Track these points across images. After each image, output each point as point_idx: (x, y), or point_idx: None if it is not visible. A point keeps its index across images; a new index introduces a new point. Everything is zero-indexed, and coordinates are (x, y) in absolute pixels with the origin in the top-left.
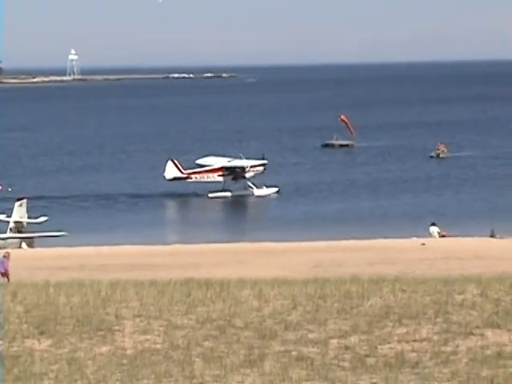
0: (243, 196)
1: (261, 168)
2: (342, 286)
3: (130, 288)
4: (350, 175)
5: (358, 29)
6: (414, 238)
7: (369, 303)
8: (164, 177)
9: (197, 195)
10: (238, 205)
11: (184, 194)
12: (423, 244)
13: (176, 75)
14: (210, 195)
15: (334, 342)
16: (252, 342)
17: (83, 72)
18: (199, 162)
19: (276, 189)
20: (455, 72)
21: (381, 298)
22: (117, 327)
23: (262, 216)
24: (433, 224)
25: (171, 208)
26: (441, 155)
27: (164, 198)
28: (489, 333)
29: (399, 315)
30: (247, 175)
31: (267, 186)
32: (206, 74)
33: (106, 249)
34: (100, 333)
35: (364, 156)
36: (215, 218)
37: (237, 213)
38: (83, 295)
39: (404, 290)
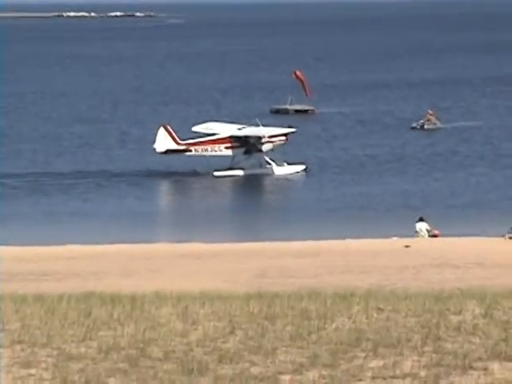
0: (259, 175)
1: (283, 138)
2: (296, 302)
3: (8, 304)
4: (321, 151)
5: None
6: (395, 238)
7: (333, 326)
8: (154, 149)
9: (197, 174)
10: (250, 187)
11: (178, 173)
12: (407, 246)
13: (72, 14)
14: (215, 174)
15: (286, 378)
16: (174, 379)
17: None
18: (198, 129)
19: (303, 166)
20: (448, 12)
21: (349, 319)
22: None
23: (282, 203)
24: (421, 219)
25: (146, 191)
26: (426, 126)
27: (143, 176)
28: (494, 366)
29: (374, 342)
30: (264, 148)
31: (289, 163)
32: (112, 13)
33: None
34: None
35: (332, 126)
36: (206, 205)
37: (246, 198)
38: None
39: (381, 309)
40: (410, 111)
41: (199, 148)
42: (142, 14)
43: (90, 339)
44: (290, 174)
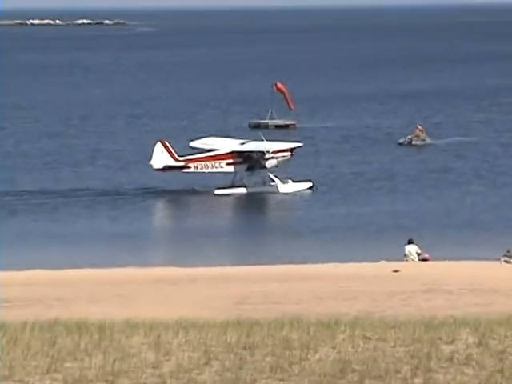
0: (263, 193)
1: (288, 154)
2: (277, 331)
3: None
4: (306, 169)
5: None
6: (383, 262)
7: (316, 356)
8: (151, 165)
9: (196, 192)
10: (251, 207)
11: (175, 191)
12: (396, 271)
13: (36, 21)
14: (216, 192)
15: None
16: None
17: None
18: (196, 144)
19: (309, 183)
20: (444, 21)
21: (334, 348)
22: None
23: (273, 224)
24: (410, 242)
25: (134, 211)
26: (414, 142)
27: (136, 195)
28: None
29: (360, 374)
30: (268, 164)
31: (295, 181)
32: (79, 21)
33: None
34: None
35: (316, 141)
36: (197, 226)
37: (245, 218)
38: None
39: (368, 338)
40: (399, 126)
41: (199, 164)
42: (111, 22)
43: (55, 371)
44: (296, 191)
